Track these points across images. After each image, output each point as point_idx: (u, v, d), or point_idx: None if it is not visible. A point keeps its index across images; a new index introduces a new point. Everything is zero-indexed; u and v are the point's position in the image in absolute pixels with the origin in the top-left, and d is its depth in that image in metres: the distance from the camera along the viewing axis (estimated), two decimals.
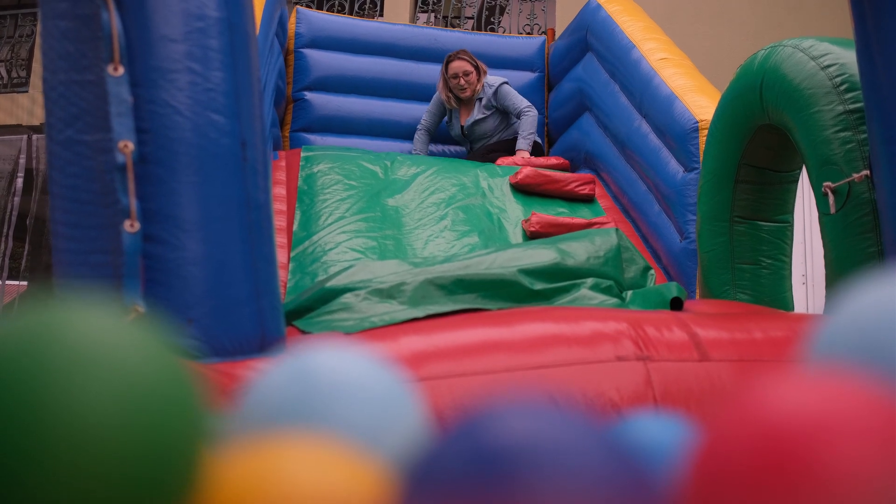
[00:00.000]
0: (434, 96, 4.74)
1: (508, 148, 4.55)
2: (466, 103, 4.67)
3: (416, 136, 4.77)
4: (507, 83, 4.63)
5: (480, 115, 4.61)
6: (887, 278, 0.76)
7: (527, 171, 4.00)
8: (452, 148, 4.90)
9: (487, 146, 4.61)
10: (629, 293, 2.54)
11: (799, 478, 0.53)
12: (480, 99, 4.62)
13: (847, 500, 0.52)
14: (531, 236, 3.60)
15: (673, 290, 2.34)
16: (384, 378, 0.80)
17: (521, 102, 4.58)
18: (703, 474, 0.58)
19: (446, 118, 4.78)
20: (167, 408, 0.62)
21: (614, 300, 2.42)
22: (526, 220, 3.70)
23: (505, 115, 4.63)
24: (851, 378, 0.60)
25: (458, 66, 4.58)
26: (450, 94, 4.63)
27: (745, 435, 0.57)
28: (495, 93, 4.59)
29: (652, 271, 2.84)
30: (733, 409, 0.60)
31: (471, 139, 4.68)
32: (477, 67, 4.62)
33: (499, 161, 4.32)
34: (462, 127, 4.66)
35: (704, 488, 0.57)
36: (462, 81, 4.56)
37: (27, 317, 0.63)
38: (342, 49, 4.93)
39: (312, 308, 2.22)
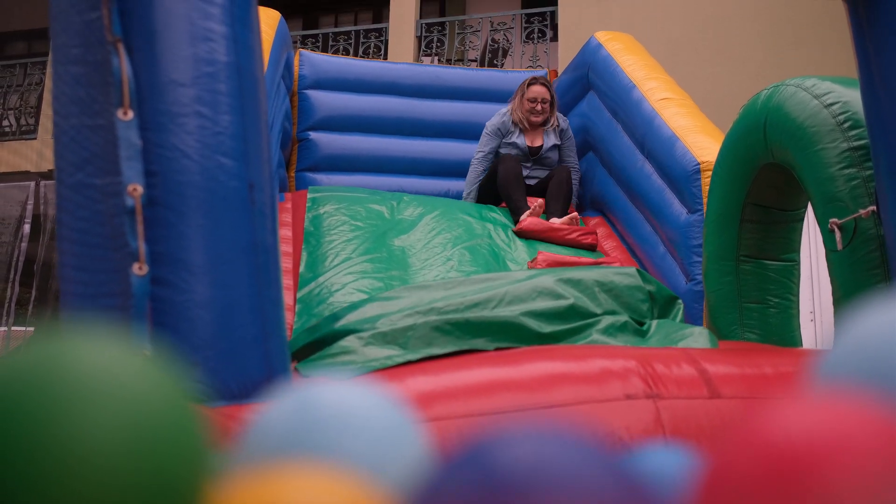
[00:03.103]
0: (489, 125, 4.62)
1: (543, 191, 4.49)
2: (532, 128, 4.61)
3: (471, 177, 4.64)
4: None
5: (555, 142, 4.59)
6: (890, 303, 0.76)
7: (529, 220, 4.00)
8: (457, 186, 4.88)
9: (540, 187, 4.50)
10: (654, 323, 2.49)
11: (805, 502, 0.53)
12: (556, 129, 4.62)
13: None
14: None
15: (704, 340, 2.29)
16: (388, 410, 0.80)
17: (576, 157, 4.64)
18: (709, 500, 0.57)
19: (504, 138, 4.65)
20: (172, 442, 0.62)
21: (630, 338, 2.38)
22: (532, 261, 3.69)
23: None
24: (856, 403, 0.59)
25: (539, 91, 4.57)
26: (521, 115, 4.57)
27: (751, 459, 0.57)
28: (564, 131, 4.64)
29: (679, 301, 2.81)
30: (738, 433, 0.59)
31: (536, 160, 4.59)
32: (553, 98, 4.63)
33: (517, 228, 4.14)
34: (529, 147, 4.57)
35: None
36: (539, 107, 4.54)
37: (35, 350, 0.63)
38: (345, 89, 4.98)
39: (317, 349, 2.21)
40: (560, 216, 4.24)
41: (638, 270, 2.72)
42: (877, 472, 0.54)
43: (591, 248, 4.00)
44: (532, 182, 4.52)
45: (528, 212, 4.11)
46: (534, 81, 4.64)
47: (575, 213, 4.22)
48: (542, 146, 4.58)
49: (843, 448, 0.55)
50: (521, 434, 0.62)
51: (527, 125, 4.57)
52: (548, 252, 3.74)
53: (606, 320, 2.41)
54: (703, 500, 0.58)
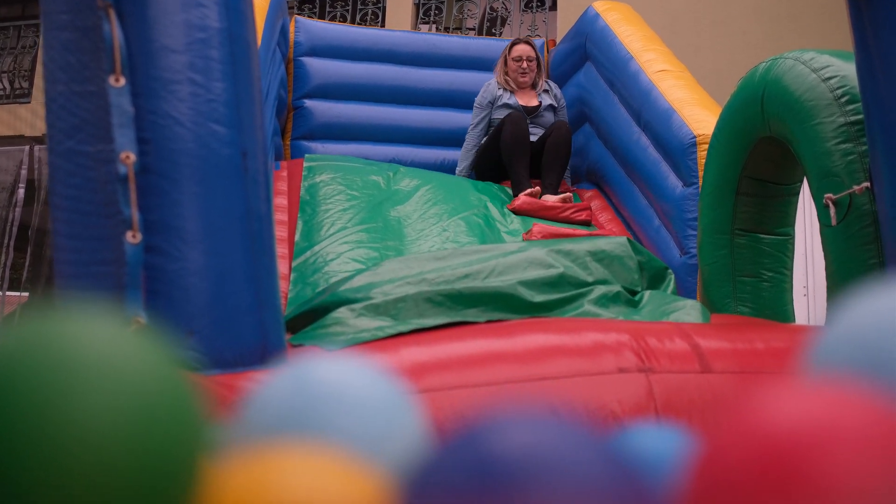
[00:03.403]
0: (476, 99, 4.55)
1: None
2: (522, 90, 4.52)
3: (463, 152, 4.56)
4: None
5: (552, 102, 4.50)
6: (886, 288, 0.76)
7: (522, 199, 3.96)
8: (452, 156, 4.84)
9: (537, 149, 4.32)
10: (647, 294, 2.51)
11: (798, 488, 0.53)
12: (548, 91, 4.54)
13: None
14: None
15: (697, 314, 2.30)
16: (384, 388, 0.80)
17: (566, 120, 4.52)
18: (703, 484, 0.58)
19: (495, 104, 4.52)
20: (167, 417, 0.62)
21: (622, 309, 2.39)
22: (527, 232, 3.69)
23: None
24: (850, 388, 0.60)
25: (523, 49, 4.53)
26: (507, 77, 4.50)
27: (744, 445, 0.57)
28: (559, 99, 4.56)
29: (670, 272, 2.82)
30: (732, 419, 0.60)
31: (533, 119, 4.46)
32: (539, 59, 4.56)
33: (510, 206, 4.03)
34: (524, 107, 4.44)
35: (703, 498, 0.57)
36: (525, 65, 4.47)
37: (29, 326, 0.63)
38: (341, 56, 4.93)
39: (310, 320, 2.22)
40: (555, 190, 4.18)
41: (628, 240, 2.73)
42: (869, 457, 0.54)
43: (586, 224, 3.98)
44: (532, 138, 4.38)
45: (525, 192, 4.04)
46: (517, 41, 4.60)
47: (569, 194, 4.14)
48: (538, 106, 4.49)
49: (836, 434, 0.55)
50: (515, 416, 0.62)
51: (514, 86, 4.49)
52: (543, 223, 3.74)
53: (598, 290, 2.42)
54: (696, 488, 0.58)
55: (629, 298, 2.47)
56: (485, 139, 4.49)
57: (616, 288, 2.46)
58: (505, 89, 4.50)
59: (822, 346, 0.77)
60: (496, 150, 4.32)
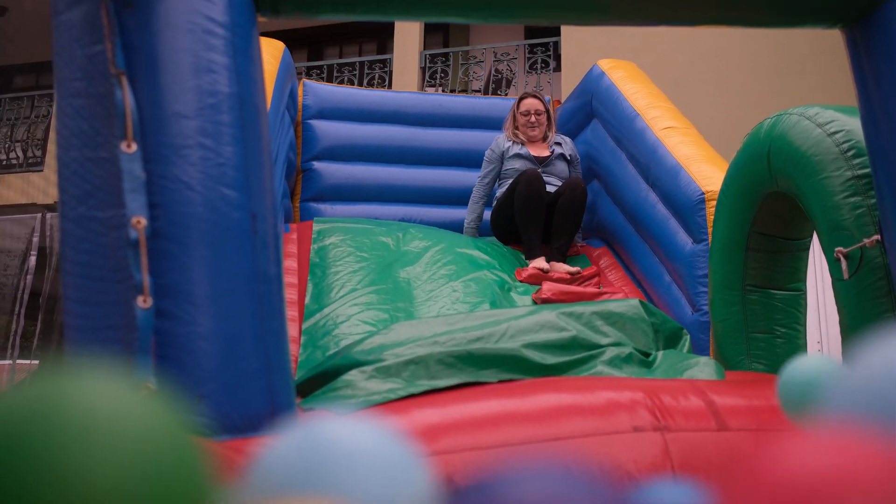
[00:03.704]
0: (486, 153, 4.53)
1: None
2: (534, 143, 4.48)
3: (472, 207, 4.53)
4: None
5: (563, 152, 4.44)
6: None
7: (530, 272, 3.90)
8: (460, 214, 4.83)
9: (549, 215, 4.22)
10: (660, 354, 2.49)
11: None
12: (560, 144, 4.49)
13: None
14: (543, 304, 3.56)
15: (711, 371, 2.28)
16: (392, 447, 0.79)
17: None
18: None
19: (505, 156, 4.49)
20: (175, 481, 0.61)
21: (636, 369, 2.37)
22: (537, 292, 3.68)
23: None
24: (866, 438, 0.58)
25: (531, 103, 4.50)
26: (517, 132, 4.47)
27: (758, 495, 0.56)
28: (571, 150, 4.51)
29: (685, 333, 2.81)
30: (747, 471, 0.59)
31: (545, 168, 4.41)
32: (549, 112, 4.54)
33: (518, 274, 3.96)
34: (536, 157, 4.39)
35: None
36: (534, 118, 4.45)
37: (38, 387, 0.63)
38: (349, 119, 4.98)
39: (321, 383, 2.20)
40: (563, 255, 4.14)
41: (641, 302, 2.72)
42: None
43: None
44: (548, 188, 4.32)
45: (534, 264, 3.97)
46: (525, 95, 4.59)
47: (577, 269, 4.05)
48: (549, 155, 4.44)
49: (854, 486, 0.54)
50: (528, 469, 0.61)
51: (525, 140, 4.46)
52: (552, 282, 3.73)
53: (611, 352, 2.40)
54: None
55: (642, 359, 2.45)
56: (502, 193, 4.41)
57: (628, 349, 2.44)
58: (515, 142, 4.47)
59: (836, 395, 0.76)
60: (509, 209, 4.26)
